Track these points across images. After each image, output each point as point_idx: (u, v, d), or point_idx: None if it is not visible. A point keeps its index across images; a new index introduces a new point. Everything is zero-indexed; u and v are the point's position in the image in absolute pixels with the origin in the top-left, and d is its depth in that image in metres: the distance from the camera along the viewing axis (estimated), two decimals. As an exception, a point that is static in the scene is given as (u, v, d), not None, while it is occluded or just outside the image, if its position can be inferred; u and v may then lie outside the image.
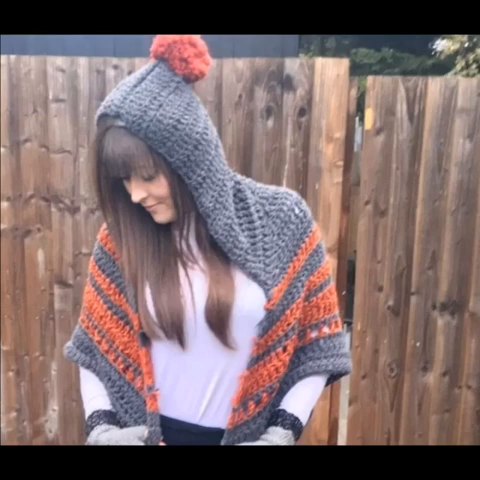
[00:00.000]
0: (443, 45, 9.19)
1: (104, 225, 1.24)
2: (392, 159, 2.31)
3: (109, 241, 1.24)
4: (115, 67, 2.40)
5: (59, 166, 2.48)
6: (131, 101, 1.05)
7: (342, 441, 2.58)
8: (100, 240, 1.27)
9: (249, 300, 1.14)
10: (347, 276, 2.44)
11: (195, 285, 1.14)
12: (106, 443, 1.17)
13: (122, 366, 1.23)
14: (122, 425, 1.23)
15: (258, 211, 1.20)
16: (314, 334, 1.27)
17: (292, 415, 1.22)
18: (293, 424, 1.22)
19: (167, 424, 1.17)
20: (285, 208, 1.22)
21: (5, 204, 2.51)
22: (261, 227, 1.19)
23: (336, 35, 9.86)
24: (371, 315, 2.40)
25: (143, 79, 1.08)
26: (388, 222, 2.34)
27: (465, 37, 7.93)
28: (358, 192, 2.36)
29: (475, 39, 7.87)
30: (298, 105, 2.31)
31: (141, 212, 1.15)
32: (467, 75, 7.10)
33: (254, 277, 1.15)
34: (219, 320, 1.12)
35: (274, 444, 1.18)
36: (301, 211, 1.24)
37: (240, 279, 1.15)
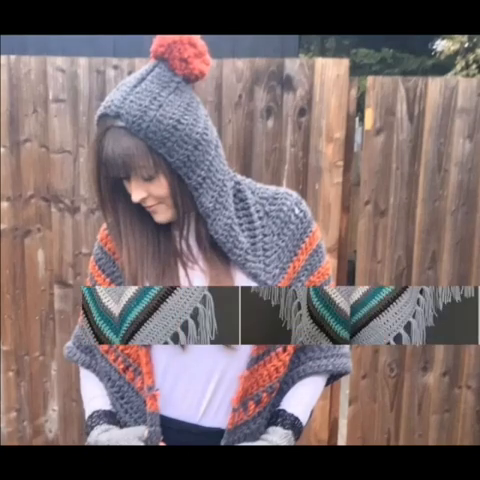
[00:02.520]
0: (443, 45, 9.18)
1: (104, 225, 1.24)
2: (392, 159, 2.31)
3: (109, 241, 1.24)
4: (115, 67, 2.40)
5: (59, 166, 2.48)
6: (131, 101, 1.05)
7: (342, 441, 2.58)
8: (100, 240, 1.27)
9: (249, 300, 1.13)
10: (347, 276, 2.44)
11: (195, 285, 1.14)
12: (106, 443, 1.17)
13: (122, 366, 1.23)
14: (122, 425, 1.23)
15: (258, 211, 1.20)
16: (314, 334, 1.27)
17: (292, 415, 1.22)
18: (293, 424, 1.21)
19: (167, 424, 1.17)
20: (285, 208, 1.22)
21: (5, 204, 2.52)
22: (261, 227, 1.19)
23: (336, 35, 9.85)
24: (371, 315, 2.39)
25: (143, 79, 1.08)
26: (388, 222, 2.35)
27: (465, 37, 7.93)
28: (358, 192, 2.36)
29: (475, 39, 7.87)
30: (298, 105, 2.31)
31: (141, 212, 1.15)
32: (467, 75, 7.10)
33: (254, 277, 1.15)
34: (219, 320, 1.12)
35: (274, 444, 1.17)
36: (301, 211, 1.24)
37: (240, 279, 1.15)
